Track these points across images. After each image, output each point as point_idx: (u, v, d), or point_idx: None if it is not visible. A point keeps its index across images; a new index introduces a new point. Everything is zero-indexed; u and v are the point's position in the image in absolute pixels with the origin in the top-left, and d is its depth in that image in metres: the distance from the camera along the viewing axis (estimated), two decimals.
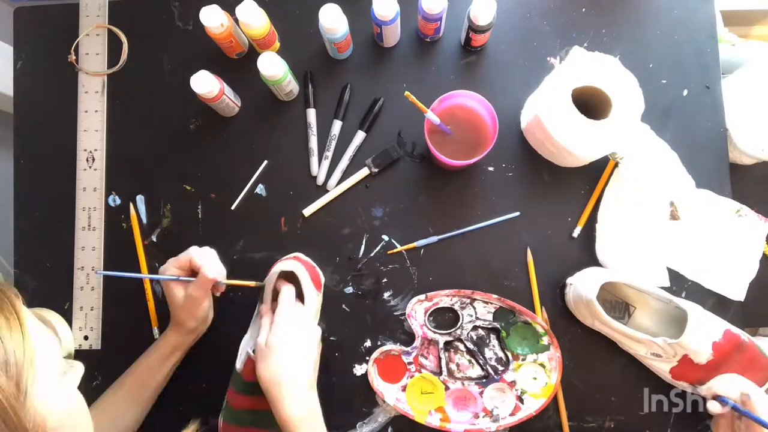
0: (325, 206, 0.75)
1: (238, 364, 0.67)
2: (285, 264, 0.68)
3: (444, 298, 0.73)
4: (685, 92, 0.75)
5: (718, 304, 0.72)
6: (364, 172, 0.75)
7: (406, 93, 0.63)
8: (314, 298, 0.67)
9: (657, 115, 0.74)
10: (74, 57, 0.78)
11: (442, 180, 0.75)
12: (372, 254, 0.74)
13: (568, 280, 0.71)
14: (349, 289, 0.74)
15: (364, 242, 0.75)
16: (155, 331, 0.75)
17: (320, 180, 0.76)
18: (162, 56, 0.79)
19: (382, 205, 0.75)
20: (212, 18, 0.68)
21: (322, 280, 0.73)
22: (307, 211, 0.75)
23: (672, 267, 0.72)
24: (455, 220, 0.74)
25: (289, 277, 0.68)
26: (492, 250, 0.74)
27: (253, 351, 0.63)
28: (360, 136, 0.75)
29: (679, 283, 0.72)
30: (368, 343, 0.74)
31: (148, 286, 0.75)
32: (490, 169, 0.75)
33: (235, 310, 0.72)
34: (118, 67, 0.79)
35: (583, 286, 0.67)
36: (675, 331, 0.67)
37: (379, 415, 0.72)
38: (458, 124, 0.68)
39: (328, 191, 0.75)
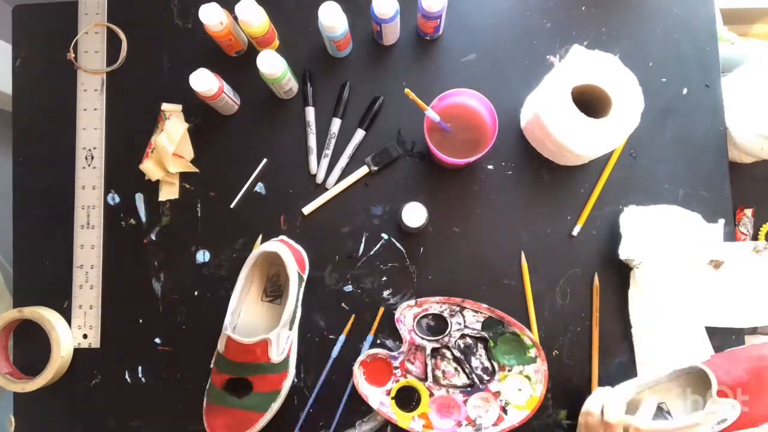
0: (324, 204, 0.75)
1: (220, 346, 0.68)
2: (268, 245, 0.69)
3: (434, 305, 0.73)
4: (685, 91, 0.75)
5: None
6: (364, 170, 0.75)
7: (406, 90, 0.63)
8: (296, 278, 0.69)
9: (657, 113, 0.74)
10: (73, 55, 0.78)
11: (441, 178, 0.75)
12: (371, 252, 0.74)
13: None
14: (349, 288, 0.74)
15: (363, 240, 0.75)
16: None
17: (319, 178, 0.76)
18: (161, 54, 0.79)
19: (381, 204, 0.75)
20: (211, 16, 0.68)
21: (307, 262, 0.73)
22: (307, 210, 0.75)
23: (713, 325, 0.71)
24: (455, 219, 0.74)
25: (273, 259, 0.68)
26: (492, 249, 0.73)
27: (233, 330, 0.65)
28: (359, 134, 0.75)
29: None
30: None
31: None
32: (490, 167, 0.75)
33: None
34: (117, 65, 0.79)
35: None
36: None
37: (378, 413, 0.72)
38: (458, 123, 0.68)
39: (327, 189, 0.75)
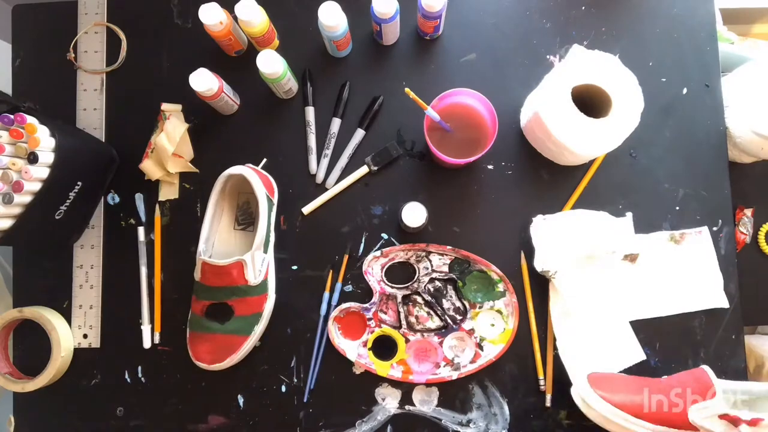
0: (324, 204, 0.75)
1: (196, 274, 0.70)
2: (234, 168, 0.70)
3: (399, 253, 0.74)
4: (685, 90, 0.75)
5: (709, 314, 0.72)
6: (364, 170, 0.75)
7: (406, 90, 0.63)
8: (265, 200, 0.70)
9: (656, 113, 0.74)
10: (73, 55, 0.78)
11: (441, 178, 0.75)
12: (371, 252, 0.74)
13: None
14: (349, 288, 0.74)
15: (363, 240, 0.75)
16: (156, 336, 0.75)
17: (319, 178, 0.76)
18: (161, 54, 0.79)
19: (381, 204, 0.75)
20: (211, 16, 0.68)
21: (275, 188, 0.74)
22: (307, 209, 0.75)
23: (646, 317, 0.72)
24: (455, 219, 0.74)
25: (242, 187, 0.71)
26: (492, 249, 0.73)
27: (209, 257, 0.69)
28: (359, 134, 0.75)
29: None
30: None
31: (158, 290, 0.75)
32: (490, 167, 0.75)
33: None
34: (117, 65, 0.79)
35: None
36: None
37: (378, 413, 0.72)
38: (458, 122, 0.68)
39: (327, 189, 0.75)
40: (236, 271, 0.68)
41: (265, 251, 0.71)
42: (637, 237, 0.72)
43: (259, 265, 0.70)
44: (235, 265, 0.68)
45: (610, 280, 0.72)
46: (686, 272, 0.72)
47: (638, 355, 0.71)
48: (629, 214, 0.72)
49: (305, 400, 0.73)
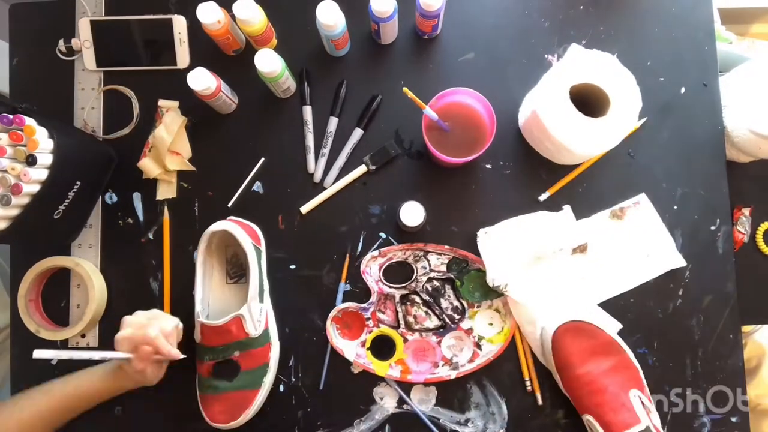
0: (322, 204, 0.75)
1: (196, 336, 0.70)
2: (215, 225, 0.70)
3: (397, 253, 0.74)
4: (683, 90, 0.75)
5: (714, 301, 0.72)
6: (362, 169, 0.75)
7: (405, 89, 0.63)
8: (252, 250, 0.70)
9: (654, 112, 0.74)
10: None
11: (439, 177, 0.75)
12: (370, 252, 0.74)
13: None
14: (347, 287, 0.74)
15: (361, 240, 0.75)
16: None
17: (317, 177, 0.76)
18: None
19: (379, 203, 0.75)
20: (209, 15, 0.68)
21: (260, 235, 0.74)
22: (305, 209, 0.75)
23: (614, 294, 0.72)
24: (453, 218, 0.74)
25: (228, 241, 0.72)
26: None
27: (206, 317, 0.69)
28: (357, 133, 0.75)
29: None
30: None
31: (167, 289, 0.75)
32: (488, 166, 0.75)
33: None
34: None
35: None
36: None
37: (377, 412, 0.72)
38: (456, 122, 0.68)
39: (325, 188, 0.75)
40: (235, 327, 0.67)
41: (261, 300, 0.71)
42: (580, 223, 0.73)
43: (257, 315, 0.69)
44: (233, 322, 0.67)
45: (564, 274, 0.72)
46: (636, 243, 0.73)
47: (615, 325, 0.71)
48: (567, 207, 0.72)
49: (310, 398, 0.73)
